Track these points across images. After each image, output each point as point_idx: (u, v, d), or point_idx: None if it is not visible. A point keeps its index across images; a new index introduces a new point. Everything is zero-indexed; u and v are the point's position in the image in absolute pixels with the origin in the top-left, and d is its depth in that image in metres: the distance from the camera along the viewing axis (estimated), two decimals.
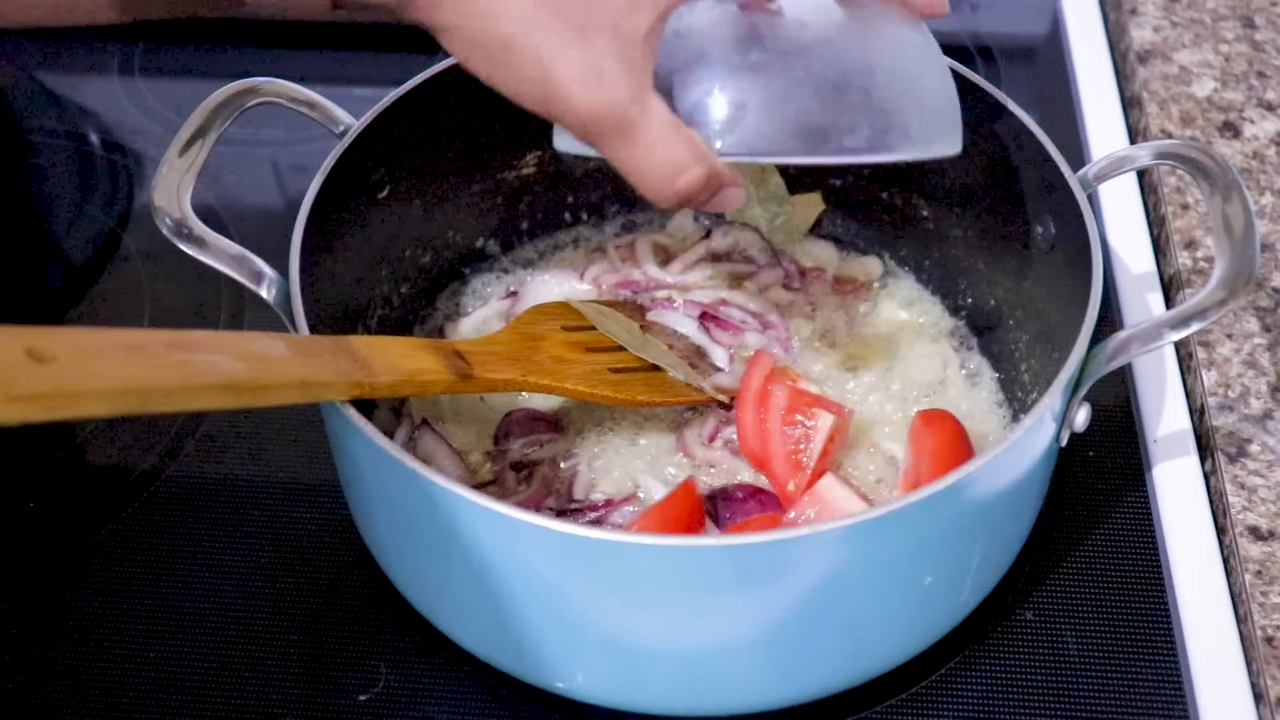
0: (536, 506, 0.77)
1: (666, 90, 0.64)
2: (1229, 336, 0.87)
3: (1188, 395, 0.86)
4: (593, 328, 0.82)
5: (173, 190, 0.71)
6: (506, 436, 0.80)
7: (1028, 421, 0.64)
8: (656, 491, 0.77)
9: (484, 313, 0.89)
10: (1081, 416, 0.69)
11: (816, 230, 0.94)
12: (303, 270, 0.70)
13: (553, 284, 0.90)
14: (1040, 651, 0.75)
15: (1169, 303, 0.92)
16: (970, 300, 0.88)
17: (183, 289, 0.95)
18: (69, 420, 0.49)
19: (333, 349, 0.64)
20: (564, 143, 0.68)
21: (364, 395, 0.63)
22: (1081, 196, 0.72)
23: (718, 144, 0.64)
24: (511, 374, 0.74)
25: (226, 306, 0.93)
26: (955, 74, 0.80)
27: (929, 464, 0.75)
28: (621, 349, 0.81)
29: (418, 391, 0.69)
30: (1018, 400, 0.83)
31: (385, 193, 0.82)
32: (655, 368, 0.81)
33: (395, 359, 0.67)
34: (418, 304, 0.90)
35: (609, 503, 0.77)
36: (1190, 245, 0.93)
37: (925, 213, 0.89)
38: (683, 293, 0.89)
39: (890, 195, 0.90)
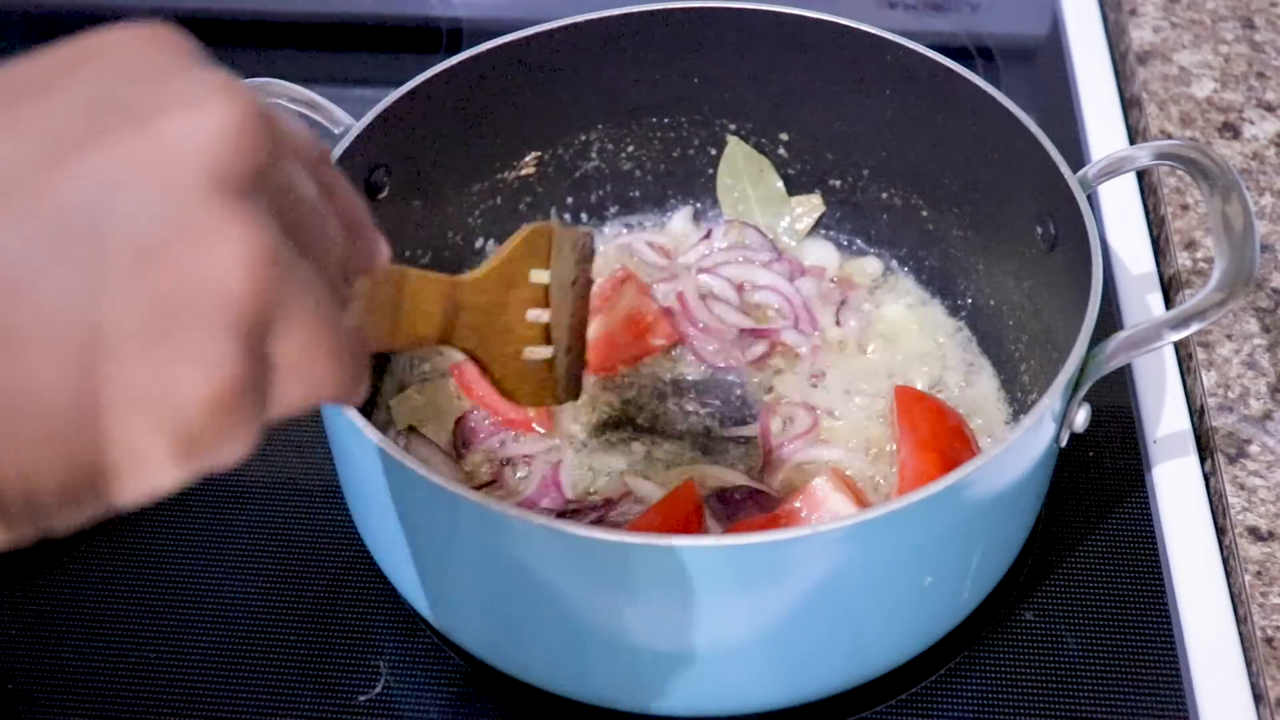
0: (536, 506, 0.77)
1: None
2: (1229, 337, 0.87)
3: (1187, 396, 0.86)
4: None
5: None
6: (466, 446, 0.79)
7: (1027, 422, 0.64)
8: (654, 492, 0.77)
9: None
10: (1081, 417, 0.69)
11: (816, 230, 0.94)
12: None
13: None
14: (1040, 652, 0.75)
15: (1169, 303, 0.92)
16: (970, 300, 0.88)
17: None
18: None
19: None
20: None
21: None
22: (1081, 197, 0.72)
23: None
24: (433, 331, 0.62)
25: None
26: (956, 74, 0.81)
27: (913, 443, 0.76)
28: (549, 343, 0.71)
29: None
30: (1017, 401, 0.83)
31: (385, 193, 0.82)
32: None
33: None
34: None
35: (608, 502, 0.77)
36: (1190, 246, 0.92)
37: (925, 213, 0.89)
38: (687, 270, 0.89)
39: (890, 195, 0.90)
